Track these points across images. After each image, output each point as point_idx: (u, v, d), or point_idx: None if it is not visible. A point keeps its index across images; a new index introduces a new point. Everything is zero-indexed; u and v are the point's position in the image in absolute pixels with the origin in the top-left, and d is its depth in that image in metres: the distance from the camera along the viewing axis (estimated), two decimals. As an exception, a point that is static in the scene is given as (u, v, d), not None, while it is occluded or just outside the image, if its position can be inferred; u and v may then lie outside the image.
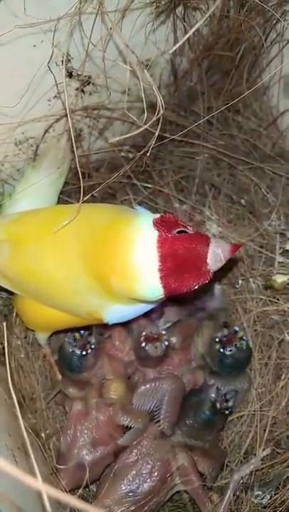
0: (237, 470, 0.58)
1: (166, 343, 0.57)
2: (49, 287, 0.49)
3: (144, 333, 0.57)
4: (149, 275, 0.41)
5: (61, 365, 0.60)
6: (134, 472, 0.54)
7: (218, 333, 0.59)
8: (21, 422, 0.33)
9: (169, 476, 0.55)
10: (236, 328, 0.59)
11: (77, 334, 0.58)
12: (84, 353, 0.56)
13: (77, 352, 0.56)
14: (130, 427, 0.55)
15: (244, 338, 0.59)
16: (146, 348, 0.57)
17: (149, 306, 0.49)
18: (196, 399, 0.57)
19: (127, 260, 0.41)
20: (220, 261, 0.42)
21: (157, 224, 0.42)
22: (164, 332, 0.58)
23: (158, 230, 0.42)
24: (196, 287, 0.43)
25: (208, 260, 0.42)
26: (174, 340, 0.60)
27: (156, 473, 0.54)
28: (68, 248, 0.47)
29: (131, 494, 0.54)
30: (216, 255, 0.42)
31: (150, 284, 0.42)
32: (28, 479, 0.21)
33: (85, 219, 0.47)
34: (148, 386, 0.58)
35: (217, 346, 0.58)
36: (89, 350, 0.56)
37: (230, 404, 0.56)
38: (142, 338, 0.57)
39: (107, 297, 0.46)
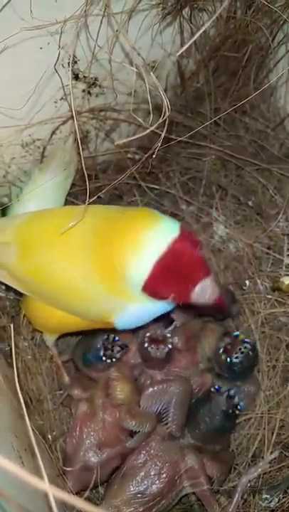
0: (245, 473, 0.57)
1: (170, 346, 0.57)
2: (61, 289, 0.49)
3: (148, 334, 0.57)
4: (147, 259, 0.42)
5: (78, 352, 0.60)
6: (142, 473, 0.54)
7: (220, 343, 0.59)
8: (28, 423, 0.33)
9: (178, 478, 0.55)
10: (236, 333, 0.59)
11: (118, 345, 0.58)
12: (104, 358, 0.57)
13: (101, 354, 0.56)
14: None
15: (246, 340, 0.58)
16: (149, 349, 0.56)
17: (159, 312, 0.49)
18: (207, 407, 0.56)
19: (139, 235, 0.43)
20: (203, 297, 0.44)
21: (183, 228, 0.43)
22: (169, 335, 0.58)
23: (181, 230, 0.43)
24: (170, 299, 0.45)
25: (196, 288, 0.43)
26: (176, 340, 0.60)
27: (164, 475, 0.54)
28: (82, 248, 0.47)
29: (139, 495, 0.54)
30: (203, 290, 0.43)
31: (141, 268, 0.43)
32: (35, 481, 0.21)
33: (99, 216, 0.48)
34: (156, 388, 0.57)
35: (223, 357, 0.58)
36: (108, 361, 0.57)
37: (236, 400, 0.56)
38: (146, 339, 0.57)
39: (118, 294, 0.46)
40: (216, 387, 0.58)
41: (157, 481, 0.54)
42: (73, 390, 0.58)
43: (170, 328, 0.61)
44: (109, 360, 0.56)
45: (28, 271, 0.50)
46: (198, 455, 0.56)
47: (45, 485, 0.22)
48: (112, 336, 0.57)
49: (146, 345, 0.57)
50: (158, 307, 0.48)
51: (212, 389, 0.57)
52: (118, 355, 0.57)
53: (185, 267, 0.42)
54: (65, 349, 0.65)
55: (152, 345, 0.57)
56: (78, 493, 0.56)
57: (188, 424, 0.57)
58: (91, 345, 0.58)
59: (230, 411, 0.56)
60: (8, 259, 0.51)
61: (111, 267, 0.44)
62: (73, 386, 0.59)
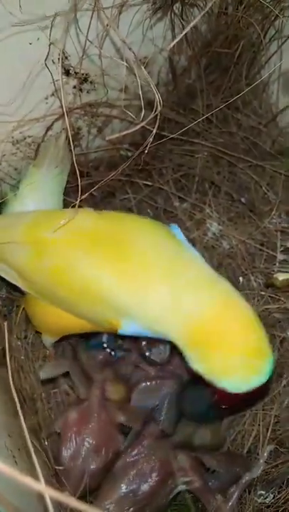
0: (249, 471, 0.57)
1: (169, 346, 0.57)
2: (79, 290, 0.47)
3: (144, 343, 0.57)
4: None
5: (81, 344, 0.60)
6: (134, 472, 0.54)
7: None
8: (23, 422, 0.33)
9: (170, 477, 0.54)
10: None
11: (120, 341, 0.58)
12: (108, 350, 0.57)
13: (104, 345, 0.57)
14: (129, 428, 0.55)
15: None
16: (152, 356, 0.56)
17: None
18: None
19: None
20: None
21: None
22: None
23: None
24: None
25: None
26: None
27: (156, 474, 0.54)
28: (105, 249, 0.47)
29: (131, 495, 0.53)
30: None
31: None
32: (29, 481, 0.21)
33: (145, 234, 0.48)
34: (149, 384, 0.57)
35: None
36: (108, 350, 0.57)
37: None
38: (144, 347, 0.56)
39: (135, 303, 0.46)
40: None
41: (149, 480, 0.54)
42: (76, 378, 0.58)
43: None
44: (109, 350, 0.56)
45: (43, 271, 0.48)
46: (189, 454, 0.55)
47: (41, 485, 0.21)
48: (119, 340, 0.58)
49: (147, 353, 0.56)
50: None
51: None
52: (119, 353, 0.57)
53: None
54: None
55: (152, 349, 0.56)
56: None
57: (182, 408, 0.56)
58: (96, 335, 0.58)
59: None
60: (17, 258, 0.50)
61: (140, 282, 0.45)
62: (78, 373, 0.58)
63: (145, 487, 0.53)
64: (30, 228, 0.50)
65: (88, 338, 0.60)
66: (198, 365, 0.44)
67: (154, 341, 0.56)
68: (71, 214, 0.48)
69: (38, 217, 0.51)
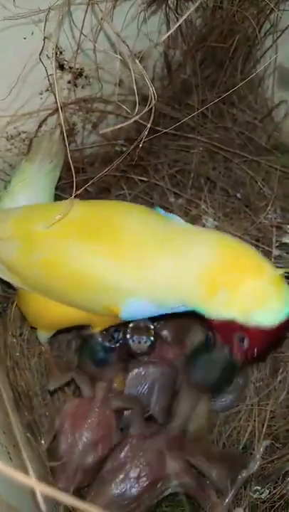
0: (244, 468, 0.56)
1: (152, 338, 0.56)
2: (72, 279, 0.48)
3: (131, 325, 0.56)
4: None
5: (85, 358, 0.59)
6: (122, 476, 0.53)
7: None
8: (12, 419, 0.32)
9: (160, 480, 0.54)
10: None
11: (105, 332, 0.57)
12: (113, 346, 0.57)
13: (107, 344, 0.57)
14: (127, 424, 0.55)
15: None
16: (130, 341, 0.56)
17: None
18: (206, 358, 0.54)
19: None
20: None
21: None
22: (152, 326, 0.56)
23: None
24: None
25: None
26: (165, 333, 0.59)
27: (145, 478, 0.53)
28: (99, 238, 0.47)
29: (119, 499, 0.53)
30: None
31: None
32: (20, 476, 0.21)
33: (127, 213, 0.49)
34: (141, 369, 0.58)
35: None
36: (118, 344, 0.57)
37: None
38: (129, 330, 0.56)
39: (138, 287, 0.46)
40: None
41: (137, 485, 0.53)
42: (83, 385, 0.57)
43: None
44: (116, 345, 0.56)
45: (35, 265, 0.49)
46: (179, 457, 0.55)
47: (30, 480, 0.21)
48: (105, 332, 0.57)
49: (128, 336, 0.56)
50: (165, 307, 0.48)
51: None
52: (120, 336, 0.57)
53: None
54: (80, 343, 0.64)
55: (134, 337, 0.56)
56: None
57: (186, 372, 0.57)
58: (93, 346, 0.57)
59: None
60: (8, 254, 0.50)
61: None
62: (84, 380, 0.58)
63: (133, 491, 0.53)
64: (19, 223, 0.50)
65: (92, 353, 0.59)
66: (226, 311, 0.44)
67: (138, 332, 0.56)
68: (64, 208, 0.48)
69: (28, 212, 0.51)
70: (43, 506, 0.23)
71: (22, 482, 0.20)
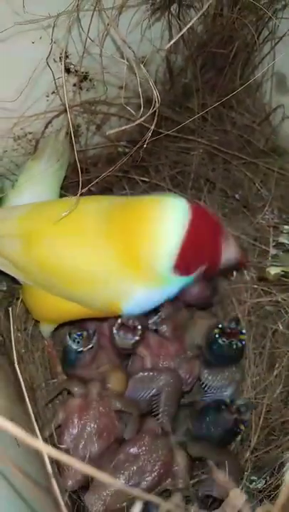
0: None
1: (138, 338, 0.57)
2: (69, 277, 0.49)
3: (119, 321, 0.57)
4: (173, 240, 0.45)
5: (63, 360, 0.61)
6: (134, 468, 0.54)
7: (224, 322, 0.59)
8: (28, 404, 0.34)
9: (167, 478, 0.55)
10: (244, 330, 0.59)
11: (85, 333, 0.58)
12: (80, 350, 0.57)
13: (74, 347, 0.57)
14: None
15: (243, 341, 0.59)
16: (116, 335, 0.56)
17: (164, 297, 0.51)
18: (215, 417, 0.58)
19: (159, 225, 0.45)
20: (231, 255, 0.48)
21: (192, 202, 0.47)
22: (139, 327, 0.57)
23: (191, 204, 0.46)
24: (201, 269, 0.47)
25: (224, 248, 0.47)
26: (164, 328, 0.61)
27: (155, 473, 0.54)
28: (94, 234, 0.48)
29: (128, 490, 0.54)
30: (230, 248, 0.48)
31: (169, 250, 0.45)
32: (28, 438, 0.22)
33: (109, 204, 0.50)
34: (146, 374, 0.59)
35: (216, 331, 0.58)
36: (85, 349, 0.57)
37: (245, 417, 0.57)
38: (116, 325, 0.57)
39: (133, 276, 0.47)
40: (230, 399, 0.58)
41: (148, 479, 0.54)
42: (73, 388, 0.58)
43: (155, 319, 0.62)
44: (85, 349, 0.57)
45: (34, 261, 0.50)
46: (187, 456, 0.56)
47: (38, 442, 0.23)
48: (84, 332, 0.58)
49: (114, 330, 0.57)
50: (165, 292, 0.50)
51: (224, 402, 0.58)
52: (94, 340, 0.58)
53: (209, 234, 0.46)
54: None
55: (120, 332, 0.57)
56: (76, 492, 0.57)
57: (193, 426, 0.58)
58: (65, 347, 0.59)
59: (235, 429, 0.57)
60: (12, 251, 0.51)
61: (128, 249, 0.46)
62: (73, 383, 0.58)
63: (143, 485, 0.54)
64: (22, 220, 0.52)
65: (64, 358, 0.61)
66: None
67: (125, 329, 0.57)
68: (66, 205, 0.50)
69: (30, 210, 0.53)
70: (50, 469, 0.25)
71: (30, 444, 0.21)
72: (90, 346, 0.58)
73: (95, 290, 0.49)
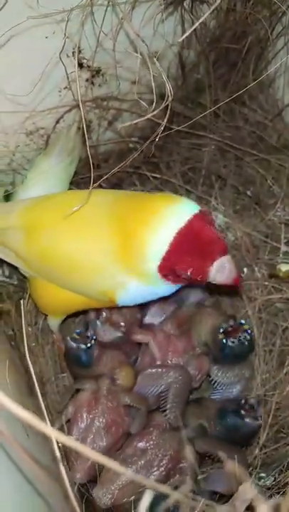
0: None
1: (121, 334, 0.57)
2: (66, 266, 0.50)
3: (104, 314, 0.57)
4: (165, 236, 0.44)
5: (71, 365, 0.61)
6: (142, 462, 0.54)
7: (223, 323, 0.59)
8: (39, 396, 0.34)
9: (174, 474, 0.55)
10: (242, 321, 0.60)
11: (74, 334, 0.58)
12: (89, 345, 0.57)
13: (83, 346, 0.57)
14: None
15: (249, 330, 0.59)
16: (100, 330, 0.57)
17: (161, 292, 0.50)
18: (236, 421, 0.57)
19: (158, 212, 0.44)
20: (221, 275, 0.45)
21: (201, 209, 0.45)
22: (122, 323, 0.57)
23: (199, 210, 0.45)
24: (188, 278, 0.45)
25: (214, 265, 0.44)
26: (168, 326, 0.61)
27: (163, 468, 0.54)
28: (92, 225, 0.49)
29: (136, 483, 0.53)
30: (221, 268, 0.44)
31: (159, 244, 0.44)
32: (37, 423, 0.22)
33: (110, 196, 0.50)
34: (154, 370, 0.59)
35: (221, 336, 0.58)
36: (92, 342, 0.57)
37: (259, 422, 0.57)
38: (101, 318, 0.57)
39: (125, 268, 0.47)
40: (242, 400, 0.58)
41: (156, 473, 0.54)
42: (85, 385, 0.58)
43: (161, 319, 0.63)
44: (92, 342, 0.57)
45: (35, 252, 0.52)
46: (194, 452, 0.56)
47: (47, 427, 0.23)
48: (74, 334, 0.58)
49: (98, 323, 0.57)
50: (155, 290, 0.49)
51: (241, 405, 0.57)
52: (90, 332, 0.58)
53: (203, 244, 0.44)
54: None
55: (106, 326, 0.57)
56: (85, 485, 0.57)
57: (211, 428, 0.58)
58: (72, 352, 0.58)
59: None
60: (15, 242, 0.53)
61: (124, 242, 0.46)
62: (83, 382, 0.58)
63: (150, 479, 0.53)
64: (25, 212, 0.53)
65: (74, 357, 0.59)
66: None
67: (108, 323, 0.58)
68: (69, 197, 0.50)
69: (34, 202, 0.54)
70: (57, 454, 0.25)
71: (39, 429, 0.22)
72: (94, 338, 0.58)
73: (90, 279, 0.50)
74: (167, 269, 0.45)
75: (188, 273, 0.44)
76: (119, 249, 0.47)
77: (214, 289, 0.64)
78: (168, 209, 0.44)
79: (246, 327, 0.59)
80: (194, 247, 0.43)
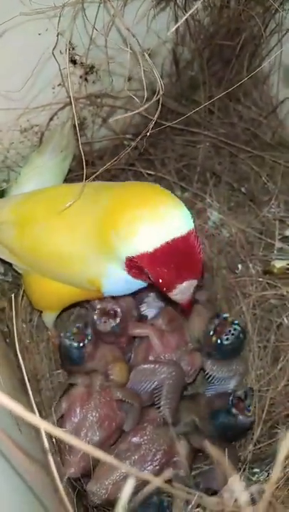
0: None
1: (118, 321, 0.57)
2: (56, 257, 0.51)
3: (98, 306, 0.57)
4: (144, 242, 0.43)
5: (64, 361, 0.61)
6: (136, 457, 0.55)
7: (210, 325, 0.60)
8: (28, 386, 0.35)
9: (168, 468, 0.55)
10: (225, 315, 0.60)
11: (74, 329, 0.59)
12: (81, 344, 0.58)
13: (75, 344, 0.57)
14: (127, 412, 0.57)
15: (235, 321, 0.59)
16: (97, 321, 0.57)
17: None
18: (228, 420, 0.57)
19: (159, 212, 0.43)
20: (181, 295, 0.45)
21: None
22: (118, 310, 0.57)
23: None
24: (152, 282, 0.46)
25: (182, 284, 0.44)
26: (159, 322, 0.61)
27: (156, 463, 0.54)
28: (74, 213, 0.49)
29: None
30: (185, 289, 0.45)
31: (137, 246, 0.43)
32: (27, 415, 0.22)
33: (100, 187, 0.50)
34: (147, 366, 0.59)
35: (213, 338, 0.59)
36: (86, 341, 0.58)
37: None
38: (96, 311, 0.58)
39: (107, 257, 0.47)
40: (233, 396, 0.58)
41: (149, 468, 0.54)
42: (77, 379, 0.58)
43: (152, 316, 0.63)
44: (86, 341, 0.57)
45: (27, 246, 0.52)
46: (189, 446, 0.56)
47: (35, 418, 0.23)
48: (74, 328, 0.59)
49: (95, 317, 0.58)
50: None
51: (233, 402, 0.57)
52: (88, 331, 0.58)
53: (185, 263, 0.43)
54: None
55: (101, 319, 0.58)
56: (79, 480, 0.57)
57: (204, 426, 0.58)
58: (64, 348, 0.59)
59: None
60: (8, 237, 0.53)
61: (104, 234, 0.46)
62: (76, 377, 0.59)
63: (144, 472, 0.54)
64: (17, 207, 0.54)
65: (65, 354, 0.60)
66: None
67: (105, 314, 0.58)
68: (59, 191, 0.50)
69: (26, 197, 0.55)
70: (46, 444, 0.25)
71: (28, 420, 0.22)
72: (89, 339, 0.58)
73: (78, 268, 0.50)
74: (135, 266, 0.45)
75: (157, 281, 0.44)
76: (100, 237, 0.47)
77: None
78: (170, 214, 0.43)
79: (230, 319, 0.60)
80: (175, 262, 0.43)
